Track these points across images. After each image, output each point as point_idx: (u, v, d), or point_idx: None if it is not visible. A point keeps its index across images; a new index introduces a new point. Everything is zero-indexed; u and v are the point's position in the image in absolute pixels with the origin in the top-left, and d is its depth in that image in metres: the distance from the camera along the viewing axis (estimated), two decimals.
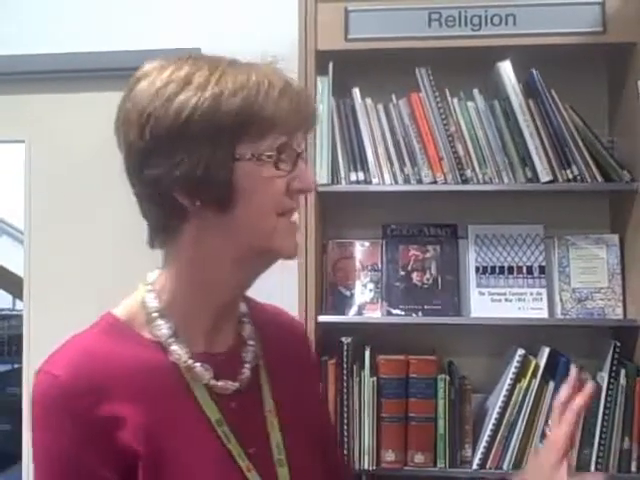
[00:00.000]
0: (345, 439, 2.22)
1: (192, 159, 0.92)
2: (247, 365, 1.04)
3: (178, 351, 0.99)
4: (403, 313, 2.31)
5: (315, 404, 1.17)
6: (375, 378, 2.23)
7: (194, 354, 0.99)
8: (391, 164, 2.25)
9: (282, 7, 2.26)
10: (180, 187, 0.93)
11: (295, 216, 1.01)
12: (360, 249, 2.37)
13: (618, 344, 2.22)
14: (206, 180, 0.92)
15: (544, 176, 2.20)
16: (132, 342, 0.99)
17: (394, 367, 2.25)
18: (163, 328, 0.99)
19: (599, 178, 2.21)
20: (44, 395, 0.95)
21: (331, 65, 2.22)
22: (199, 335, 1.02)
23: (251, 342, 1.07)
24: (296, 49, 2.16)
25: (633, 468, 2.19)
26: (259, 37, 2.07)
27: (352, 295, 2.34)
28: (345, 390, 2.23)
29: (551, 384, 2.21)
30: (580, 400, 1.09)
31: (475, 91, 2.25)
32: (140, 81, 0.95)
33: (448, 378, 2.24)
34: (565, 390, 1.12)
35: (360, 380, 2.23)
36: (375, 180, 2.25)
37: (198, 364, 0.99)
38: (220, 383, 1.00)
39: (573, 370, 1.15)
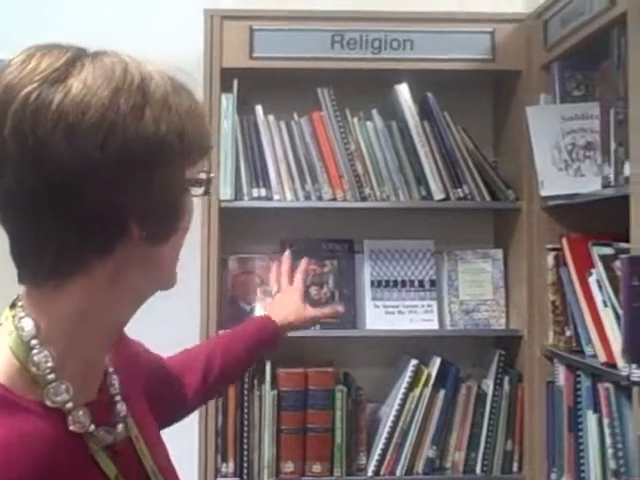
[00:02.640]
0: (245, 452, 2.25)
1: (161, 185, 0.81)
2: (118, 397, 0.92)
3: (81, 418, 0.83)
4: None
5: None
6: (275, 391, 2.26)
7: (86, 405, 0.85)
8: (292, 181, 2.29)
9: (188, 24, 2.24)
10: (137, 215, 0.80)
11: None
12: (260, 264, 2.39)
13: (502, 353, 2.37)
14: (166, 209, 0.83)
15: (437, 194, 2.31)
16: (27, 415, 0.79)
17: (293, 380, 2.29)
18: (62, 392, 0.82)
19: (487, 197, 2.34)
20: None
21: (236, 82, 2.23)
22: (92, 385, 0.88)
23: (111, 370, 0.94)
24: (201, 66, 2.17)
25: (515, 468, 2.35)
26: (164, 53, 2.02)
27: (252, 309, 2.36)
28: (246, 404, 2.25)
29: (442, 392, 2.34)
30: (304, 263, 1.77)
31: (374, 111, 2.33)
32: (73, 75, 0.78)
33: (345, 389, 2.31)
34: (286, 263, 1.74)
35: (260, 394, 2.26)
36: (277, 196, 2.28)
37: (101, 430, 0.85)
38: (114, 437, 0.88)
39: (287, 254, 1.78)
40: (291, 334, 2.31)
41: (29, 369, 0.81)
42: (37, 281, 0.83)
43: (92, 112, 0.77)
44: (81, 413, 0.83)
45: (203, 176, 0.88)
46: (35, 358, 0.81)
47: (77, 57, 0.80)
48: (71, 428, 0.82)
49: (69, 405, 0.82)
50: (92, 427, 0.84)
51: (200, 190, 0.88)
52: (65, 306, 0.83)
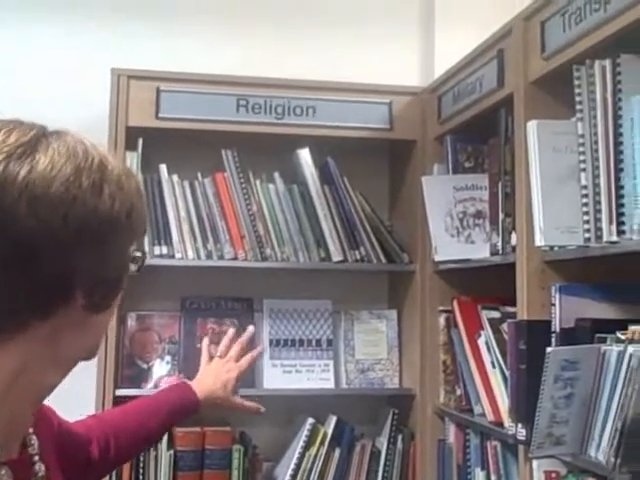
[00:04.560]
0: None
1: (110, 258, 0.85)
2: (36, 458, 0.94)
3: (3, 478, 0.84)
4: None
5: None
6: (172, 451, 2.24)
7: (7, 463, 0.85)
8: (195, 240, 2.32)
9: (95, 81, 2.26)
10: (84, 284, 0.83)
11: None
12: (159, 321, 2.39)
13: (396, 411, 2.44)
14: (110, 281, 0.87)
15: (336, 256, 2.38)
16: None
17: (190, 439, 2.28)
18: None
19: (383, 259, 2.43)
20: None
21: (140, 141, 2.26)
22: (14, 442, 0.89)
23: (31, 430, 0.95)
24: (107, 123, 2.18)
25: None
26: (71, 109, 2.05)
27: (149, 368, 2.34)
28: (141, 464, 2.22)
29: (337, 451, 2.37)
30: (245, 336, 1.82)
31: (276, 174, 2.40)
32: (39, 151, 0.81)
33: (242, 448, 2.31)
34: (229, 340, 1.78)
35: (157, 454, 2.23)
36: (178, 255, 2.30)
37: None
38: None
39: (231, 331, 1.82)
40: None
41: None
42: None
43: (57, 186, 0.80)
44: (3, 472, 0.83)
45: (139, 254, 0.92)
46: None
47: (42, 135, 0.84)
48: None
49: None
50: None
51: (134, 267, 0.91)
52: None
